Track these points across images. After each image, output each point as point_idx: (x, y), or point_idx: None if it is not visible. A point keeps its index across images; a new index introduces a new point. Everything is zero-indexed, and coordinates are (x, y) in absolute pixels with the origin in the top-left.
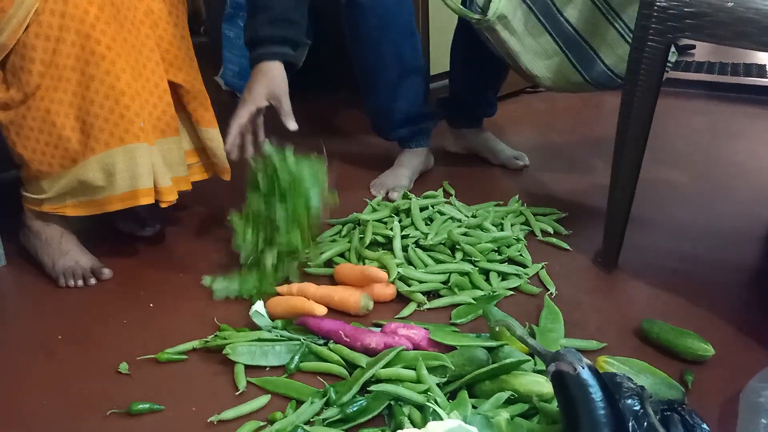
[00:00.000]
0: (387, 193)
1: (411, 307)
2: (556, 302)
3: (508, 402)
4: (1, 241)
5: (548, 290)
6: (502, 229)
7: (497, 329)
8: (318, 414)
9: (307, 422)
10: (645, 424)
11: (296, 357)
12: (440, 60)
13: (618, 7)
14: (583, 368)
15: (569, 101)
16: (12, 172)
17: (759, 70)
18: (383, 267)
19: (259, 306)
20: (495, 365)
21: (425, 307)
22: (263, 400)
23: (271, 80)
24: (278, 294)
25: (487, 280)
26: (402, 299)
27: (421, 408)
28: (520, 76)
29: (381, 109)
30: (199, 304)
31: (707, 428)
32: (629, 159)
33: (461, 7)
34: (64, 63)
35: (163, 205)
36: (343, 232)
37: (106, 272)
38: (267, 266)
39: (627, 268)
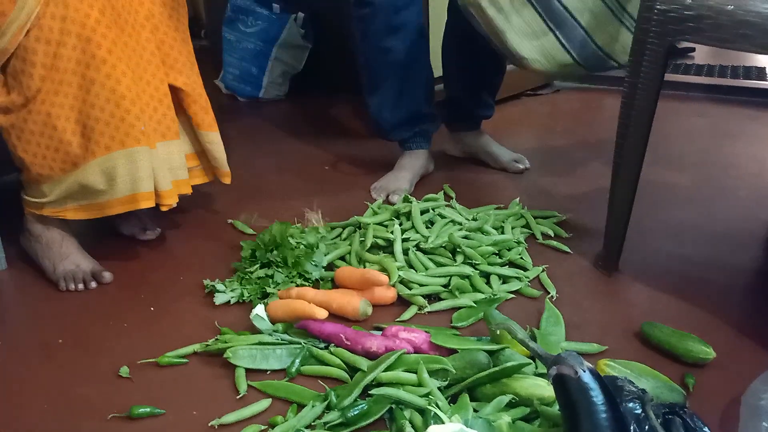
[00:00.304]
0: (387, 196)
1: (412, 311)
2: (556, 305)
3: (510, 405)
4: (2, 244)
5: (549, 293)
6: (502, 233)
7: (498, 332)
8: (319, 418)
9: (309, 426)
10: (646, 427)
11: (297, 360)
12: (440, 61)
13: None
14: (585, 371)
15: (570, 104)
16: (12, 176)
17: (758, 72)
18: (384, 270)
19: (259, 309)
20: (496, 368)
21: (426, 310)
22: (264, 403)
23: None
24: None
25: (488, 283)
26: (403, 302)
27: (422, 411)
28: (508, 59)
29: (384, 108)
30: (200, 308)
31: (708, 431)
32: (630, 161)
33: None
34: (65, 67)
35: (164, 209)
36: (344, 235)
37: (107, 276)
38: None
39: (628, 271)
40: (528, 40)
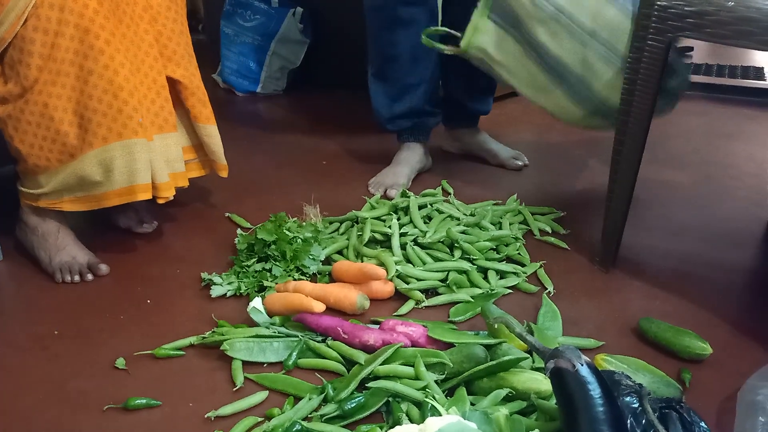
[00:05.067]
0: (385, 191)
1: (409, 305)
2: (554, 301)
3: (506, 399)
4: None
5: (546, 289)
6: (500, 228)
7: (496, 326)
8: (316, 410)
9: (305, 418)
10: (643, 421)
11: (294, 353)
12: None
13: (601, 30)
14: (582, 365)
15: None
16: (9, 167)
17: (757, 72)
18: (382, 264)
19: (256, 302)
20: (493, 362)
21: (423, 304)
22: (261, 396)
23: None
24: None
25: (486, 278)
26: (400, 297)
27: (419, 404)
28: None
29: (385, 98)
30: (197, 300)
31: (705, 426)
32: (628, 159)
33: (431, 40)
34: (63, 57)
35: (161, 201)
36: (342, 230)
37: (103, 268)
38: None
39: (625, 268)
40: (539, 93)
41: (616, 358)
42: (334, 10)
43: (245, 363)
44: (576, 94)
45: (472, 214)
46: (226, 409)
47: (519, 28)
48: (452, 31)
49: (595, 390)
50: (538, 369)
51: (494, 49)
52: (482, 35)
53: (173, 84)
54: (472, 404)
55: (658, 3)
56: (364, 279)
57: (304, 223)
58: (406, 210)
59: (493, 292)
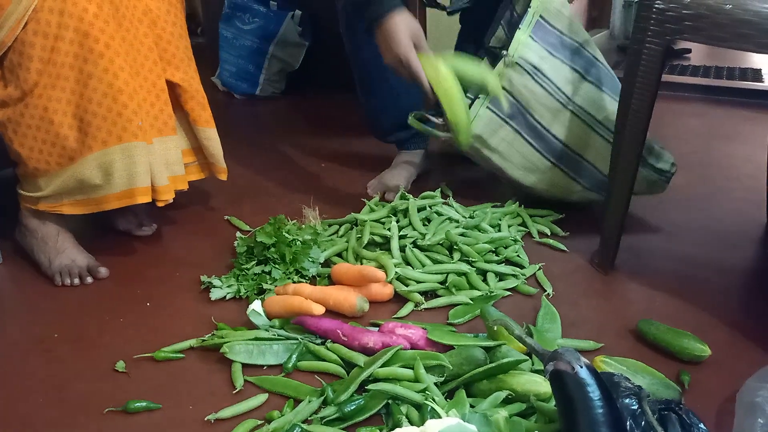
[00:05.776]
0: (384, 194)
1: (408, 307)
2: (553, 303)
3: (506, 401)
4: None
5: (545, 291)
6: (499, 230)
7: (495, 329)
8: (316, 413)
9: (305, 421)
10: (643, 423)
11: (294, 356)
12: None
13: (605, 120)
14: (581, 367)
15: None
16: (8, 170)
17: (754, 74)
18: (381, 267)
19: (256, 305)
20: (492, 364)
21: (423, 307)
22: (260, 398)
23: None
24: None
25: (485, 280)
26: (399, 299)
27: (418, 407)
28: (515, 187)
29: (380, 112)
30: (196, 303)
31: (704, 428)
32: (626, 160)
33: (425, 126)
34: (63, 61)
35: (160, 204)
36: (341, 232)
37: (103, 271)
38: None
39: (624, 269)
40: (533, 174)
41: (615, 360)
42: (332, 12)
43: (245, 366)
44: (575, 172)
45: (471, 217)
46: (226, 412)
47: (520, 117)
48: (433, 118)
49: (594, 392)
50: (537, 371)
51: (489, 135)
52: (479, 121)
53: (172, 87)
54: (472, 406)
55: (656, 6)
56: (364, 281)
57: (303, 226)
58: (405, 212)
59: (492, 294)
